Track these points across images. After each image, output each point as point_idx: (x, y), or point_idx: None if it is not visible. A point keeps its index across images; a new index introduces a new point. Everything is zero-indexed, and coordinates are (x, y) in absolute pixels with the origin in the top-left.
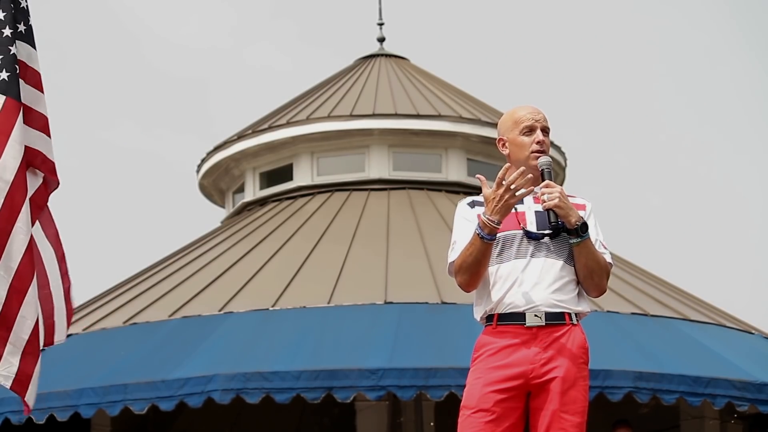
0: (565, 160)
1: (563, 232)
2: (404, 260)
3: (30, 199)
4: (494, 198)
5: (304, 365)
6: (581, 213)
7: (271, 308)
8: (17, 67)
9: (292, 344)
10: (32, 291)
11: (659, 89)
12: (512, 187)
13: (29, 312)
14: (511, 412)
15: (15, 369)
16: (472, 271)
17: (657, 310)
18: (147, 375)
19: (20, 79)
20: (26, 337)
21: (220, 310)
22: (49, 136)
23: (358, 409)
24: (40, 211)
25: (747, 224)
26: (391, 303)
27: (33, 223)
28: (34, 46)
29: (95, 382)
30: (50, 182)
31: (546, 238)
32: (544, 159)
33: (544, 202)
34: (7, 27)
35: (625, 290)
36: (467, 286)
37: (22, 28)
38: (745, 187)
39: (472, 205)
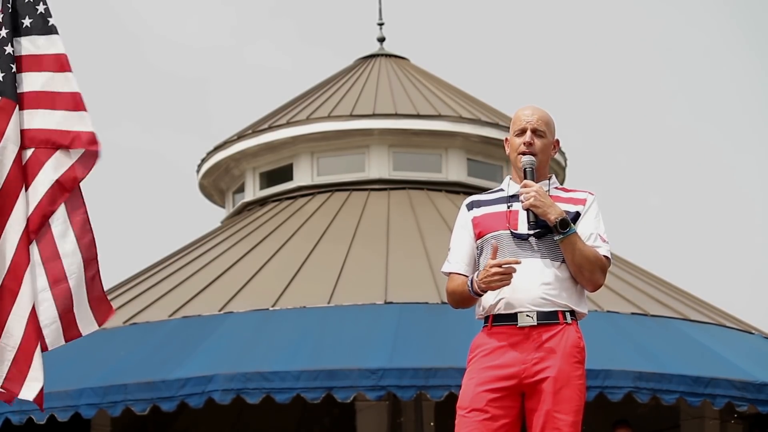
0: (566, 160)
1: (548, 230)
2: (404, 260)
3: (57, 181)
4: (486, 275)
5: (304, 365)
6: (578, 207)
7: (271, 308)
8: (13, 66)
9: (292, 344)
10: (26, 288)
11: (659, 89)
12: (496, 271)
13: (23, 309)
14: (506, 411)
15: (6, 368)
16: (460, 305)
17: (657, 310)
18: (147, 375)
19: (30, 73)
20: (20, 334)
21: (220, 310)
22: (85, 110)
23: (358, 409)
24: (66, 194)
25: (747, 224)
26: (391, 303)
27: (55, 209)
28: (52, 32)
29: (95, 382)
30: (87, 160)
31: (535, 237)
32: (526, 158)
33: (522, 202)
34: (3, 28)
35: (625, 290)
36: (454, 308)
37: (27, 22)
38: (745, 186)
39: (471, 206)
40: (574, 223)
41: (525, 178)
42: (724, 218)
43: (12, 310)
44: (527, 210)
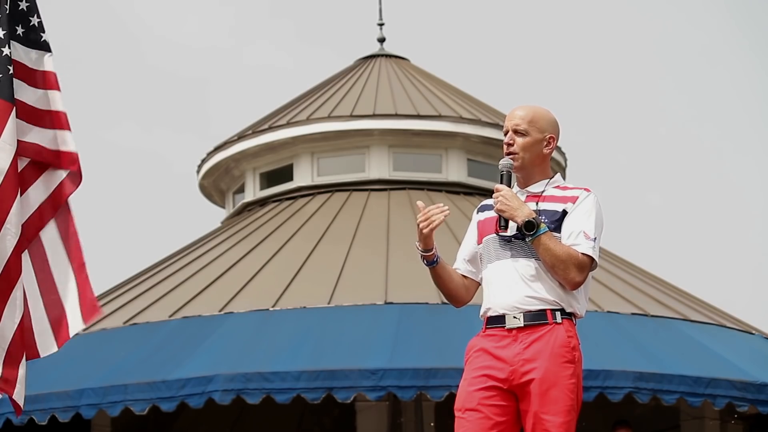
0: (566, 160)
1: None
2: (404, 260)
3: (49, 197)
4: (417, 227)
5: (304, 365)
6: (567, 205)
7: (271, 308)
8: (10, 68)
9: (292, 344)
10: (17, 293)
11: (659, 88)
12: (419, 221)
13: (13, 314)
14: (501, 411)
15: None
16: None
17: (657, 310)
18: (147, 375)
19: (23, 83)
20: (9, 337)
21: (220, 311)
22: (69, 129)
23: (359, 410)
24: (57, 210)
25: (747, 224)
26: (391, 303)
27: (45, 224)
28: (43, 48)
29: (95, 382)
30: (74, 178)
31: (518, 239)
32: (502, 161)
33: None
34: (0, 29)
35: (625, 290)
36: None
37: (20, 30)
38: (745, 186)
39: (479, 210)
40: (561, 221)
41: (501, 181)
42: (725, 218)
43: (3, 313)
44: (498, 214)
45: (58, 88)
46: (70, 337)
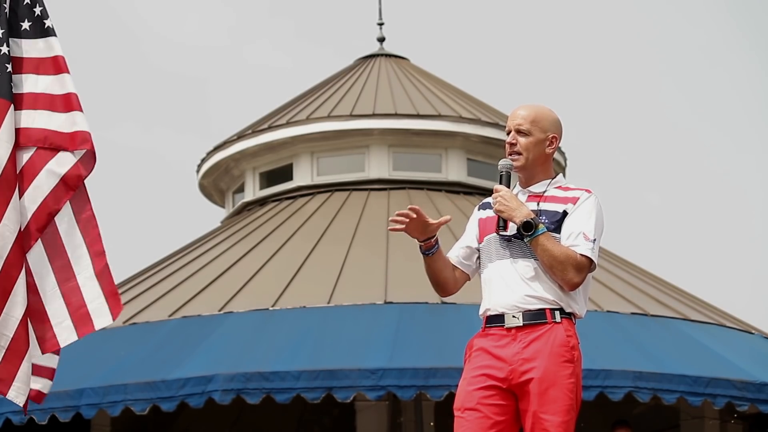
0: (565, 159)
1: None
2: (404, 260)
3: (62, 180)
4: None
5: (304, 365)
6: (567, 206)
7: (271, 308)
8: (8, 66)
9: (292, 344)
10: (20, 289)
11: (658, 87)
12: (393, 222)
13: (15, 311)
14: (501, 410)
15: None
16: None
17: (657, 310)
18: (147, 375)
19: (31, 74)
20: (10, 335)
21: (220, 310)
22: (80, 110)
23: (358, 409)
24: (71, 193)
25: (747, 223)
26: (391, 303)
27: (61, 206)
28: (49, 34)
29: (95, 382)
30: (87, 158)
31: (518, 239)
32: (502, 161)
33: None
34: None
35: (625, 290)
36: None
37: (26, 25)
38: (745, 185)
39: (481, 207)
40: (561, 222)
41: (500, 182)
42: (724, 217)
43: (4, 310)
44: (497, 215)
45: (67, 71)
46: (95, 329)
